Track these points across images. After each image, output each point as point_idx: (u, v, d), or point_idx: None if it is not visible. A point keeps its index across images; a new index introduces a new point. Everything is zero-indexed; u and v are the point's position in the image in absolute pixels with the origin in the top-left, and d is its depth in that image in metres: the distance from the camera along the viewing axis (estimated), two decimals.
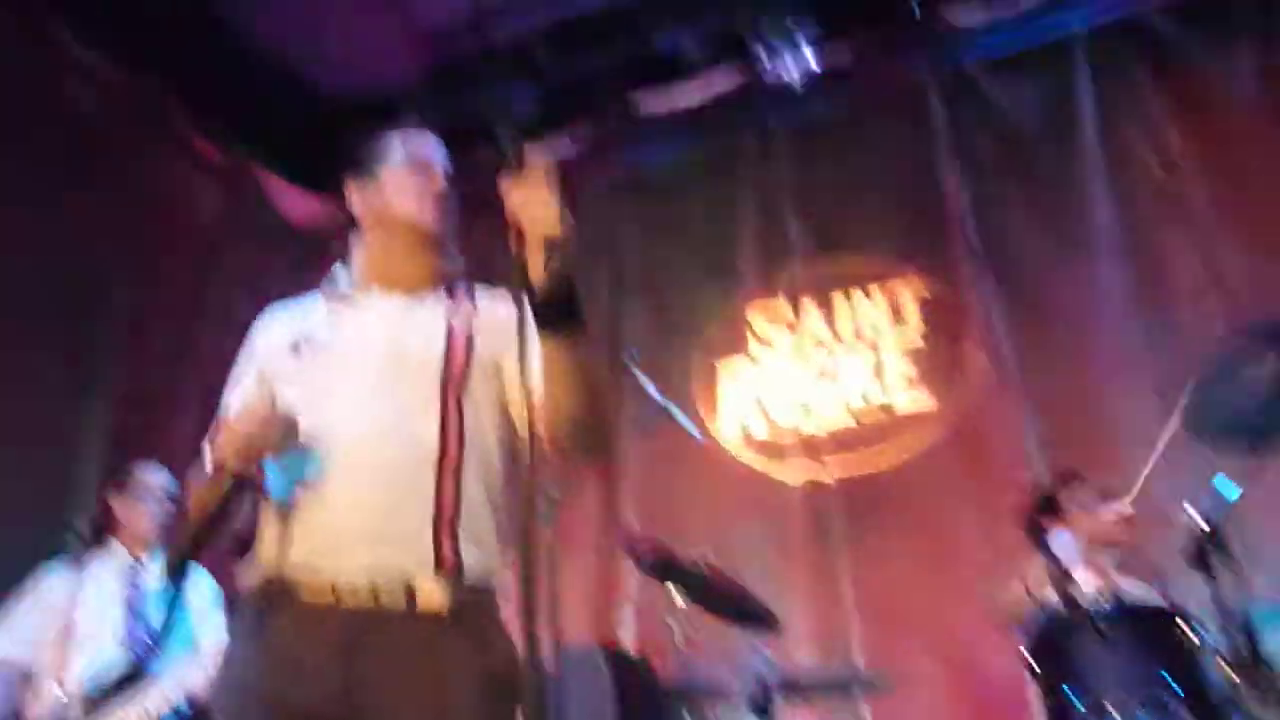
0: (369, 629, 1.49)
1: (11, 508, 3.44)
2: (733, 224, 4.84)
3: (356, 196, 1.77)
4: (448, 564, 1.51)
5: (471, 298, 1.74)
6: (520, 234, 1.35)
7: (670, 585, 2.97)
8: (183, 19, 4.46)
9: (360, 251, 1.77)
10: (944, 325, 4.41)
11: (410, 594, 1.50)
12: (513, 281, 1.35)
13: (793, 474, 4.41)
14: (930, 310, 4.46)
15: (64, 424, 3.74)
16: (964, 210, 4.39)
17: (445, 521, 1.53)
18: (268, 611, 1.54)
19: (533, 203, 1.34)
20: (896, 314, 4.52)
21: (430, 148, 1.80)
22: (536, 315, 1.39)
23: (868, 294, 4.60)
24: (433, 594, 1.50)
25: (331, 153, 5.38)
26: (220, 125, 4.81)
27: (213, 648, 2.94)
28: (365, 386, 1.61)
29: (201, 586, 3.14)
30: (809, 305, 4.65)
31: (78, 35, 4.17)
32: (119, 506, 3.16)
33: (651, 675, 3.78)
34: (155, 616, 3.00)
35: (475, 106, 4.99)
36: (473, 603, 1.53)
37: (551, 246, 1.33)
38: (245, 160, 4.90)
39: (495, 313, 1.69)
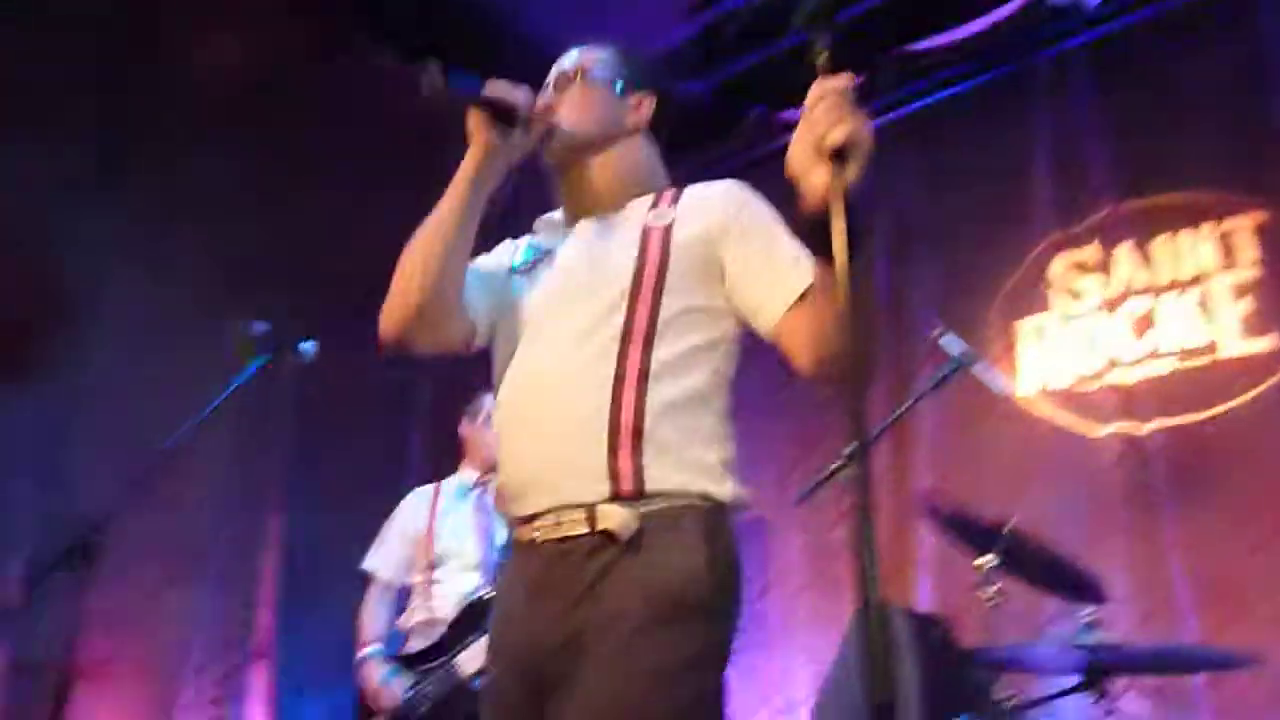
0: (556, 564, 1.43)
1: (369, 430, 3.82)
2: (1028, 166, 4.49)
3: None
4: (626, 483, 1.40)
5: (676, 199, 1.62)
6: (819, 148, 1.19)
7: (975, 548, 2.84)
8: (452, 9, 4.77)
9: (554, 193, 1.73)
10: None
11: (591, 521, 1.40)
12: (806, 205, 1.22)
13: (1104, 428, 4.06)
14: (1271, 242, 3.90)
15: (400, 386, 4.16)
16: None
17: (624, 436, 1.41)
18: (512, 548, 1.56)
19: (825, 109, 1.21)
20: (1227, 251, 3.99)
21: (557, 65, 1.72)
22: (814, 234, 1.23)
23: (1193, 233, 4.06)
24: (610, 518, 1.39)
25: None
26: None
27: None
28: (548, 311, 1.56)
29: None
30: (1122, 250, 4.17)
31: (365, 34, 4.56)
32: (467, 432, 3.39)
33: (953, 638, 3.67)
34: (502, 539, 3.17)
35: (743, 66, 4.99)
36: (660, 521, 1.40)
37: (842, 157, 1.18)
38: None
39: (706, 208, 1.59)
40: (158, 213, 3.66)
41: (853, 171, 1.18)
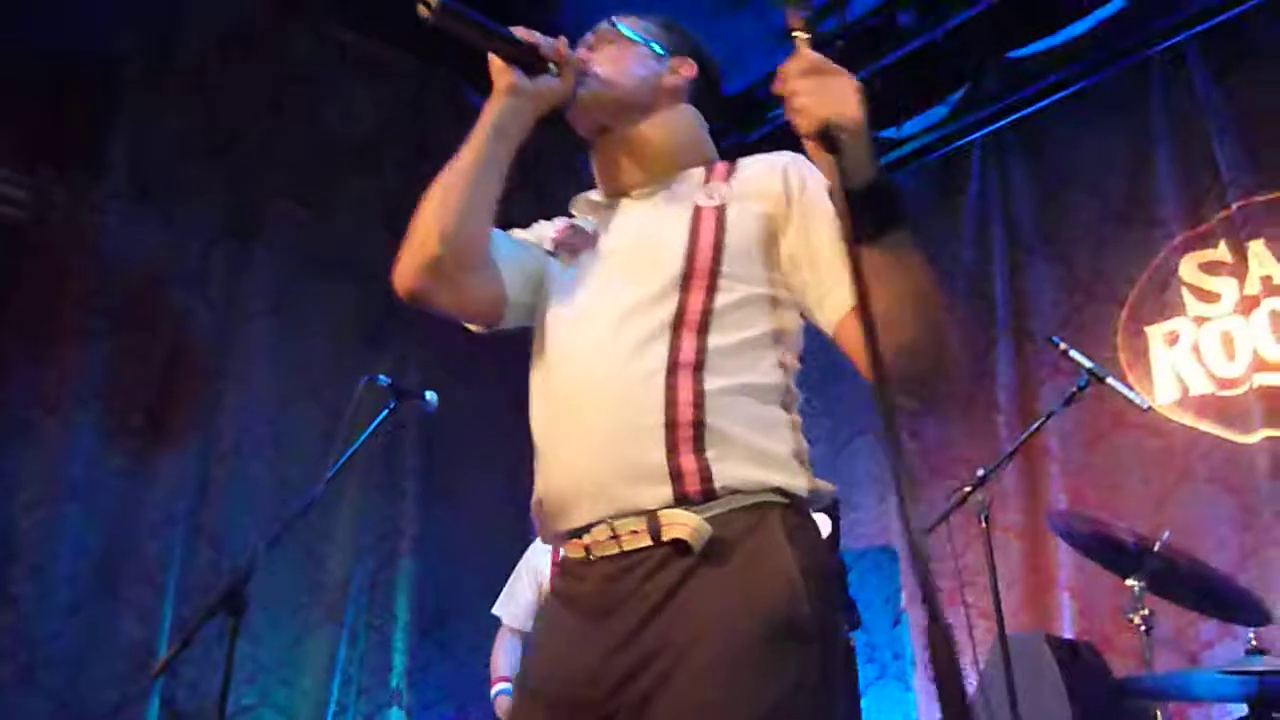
0: (615, 583, 1.23)
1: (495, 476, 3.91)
2: (1147, 165, 4.30)
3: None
4: (692, 483, 1.22)
5: (730, 174, 1.45)
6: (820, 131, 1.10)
7: (1121, 570, 2.71)
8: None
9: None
10: None
11: (654, 529, 1.22)
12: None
13: (1253, 435, 3.83)
14: None
15: (524, 431, 4.25)
16: None
17: (682, 430, 1.24)
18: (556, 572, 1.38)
19: (810, 87, 1.12)
20: None
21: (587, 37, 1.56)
22: (848, 219, 1.09)
23: None
24: (679, 525, 1.20)
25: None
26: None
27: None
28: (592, 297, 1.39)
29: None
30: (1256, 246, 3.93)
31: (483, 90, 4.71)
32: None
33: (1103, 665, 3.50)
34: None
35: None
36: (737, 525, 1.22)
37: (843, 131, 1.09)
38: None
39: (765, 184, 1.40)
40: (286, 273, 3.85)
41: (850, 150, 1.09)
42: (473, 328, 1.52)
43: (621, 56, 1.50)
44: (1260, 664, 2.28)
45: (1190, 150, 4.18)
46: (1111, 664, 3.54)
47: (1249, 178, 3.99)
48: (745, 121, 5.29)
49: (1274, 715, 2.20)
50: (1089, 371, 2.94)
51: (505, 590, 3.40)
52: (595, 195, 1.54)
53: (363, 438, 2.81)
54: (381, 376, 2.92)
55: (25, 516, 3.13)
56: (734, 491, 1.23)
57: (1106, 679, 3.31)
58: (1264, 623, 2.60)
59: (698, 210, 1.38)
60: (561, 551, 1.35)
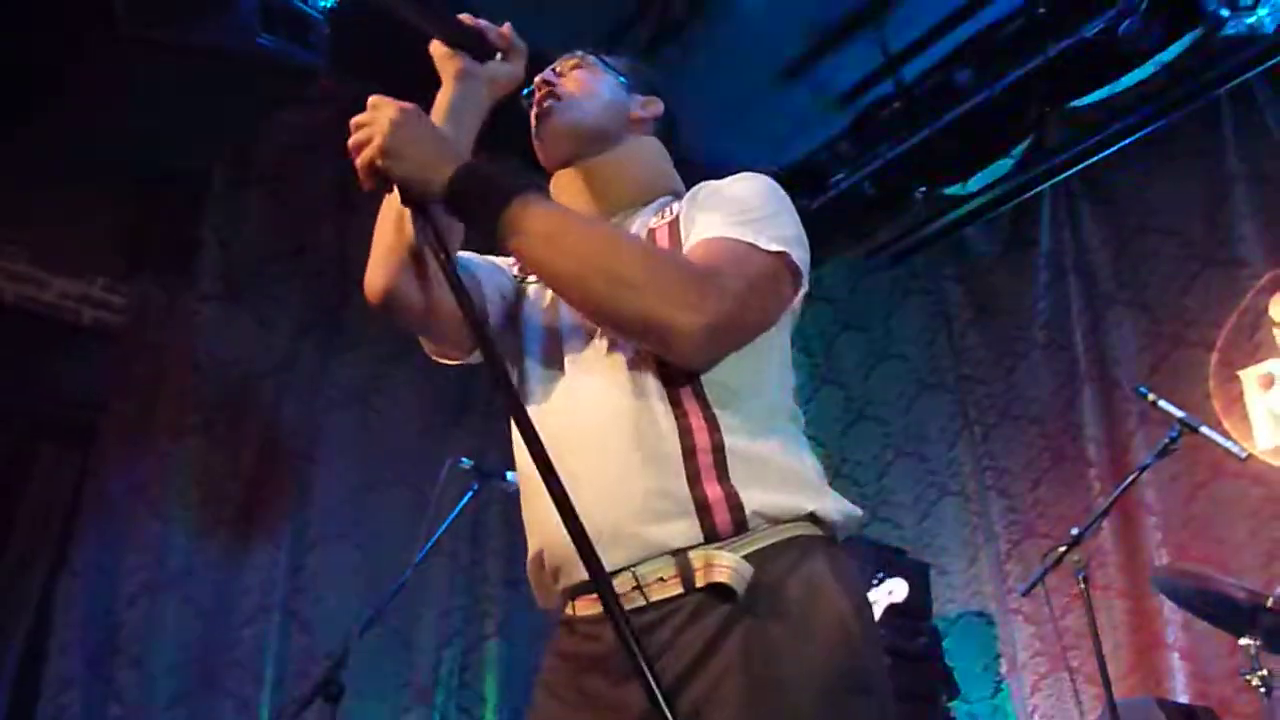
0: (650, 634, 1.08)
1: None
2: (1225, 204, 4.21)
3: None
4: (721, 514, 1.10)
5: (672, 206, 1.38)
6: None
7: (1232, 628, 2.59)
8: None
9: None
10: None
11: (688, 574, 1.09)
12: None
13: None
14: None
15: None
16: None
17: (702, 456, 1.13)
18: (556, 634, 1.25)
19: (357, 142, 1.19)
20: None
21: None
22: (470, 224, 1.20)
23: None
24: (715, 567, 1.07)
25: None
26: None
27: None
28: (567, 328, 1.29)
29: None
30: None
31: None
32: None
33: None
34: None
35: (900, 152, 4.99)
36: (779, 564, 1.10)
37: (383, 165, 1.16)
38: None
39: (713, 191, 1.32)
40: (366, 361, 3.97)
41: (400, 174, 1.17)
42: (443, 356, 1.43)
43: (590, 80, 1.45)
44: None
45: (1269, 187, 4.09)
46: None
47: None
48: (808, 190, 5.34)
49: None
50: (1180, 421, 2.85)
51: None
52: None
53: (448, 521, 2.86)
54: (465, 459, 2.98)
55: (127, 610, 3.24)
56: (768, 520, 1.12)
57: None
58: None
59: (651, 232, 1.31)
60: (570, 609, 1.21)
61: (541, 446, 0.99)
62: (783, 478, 1.15)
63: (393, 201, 1.26)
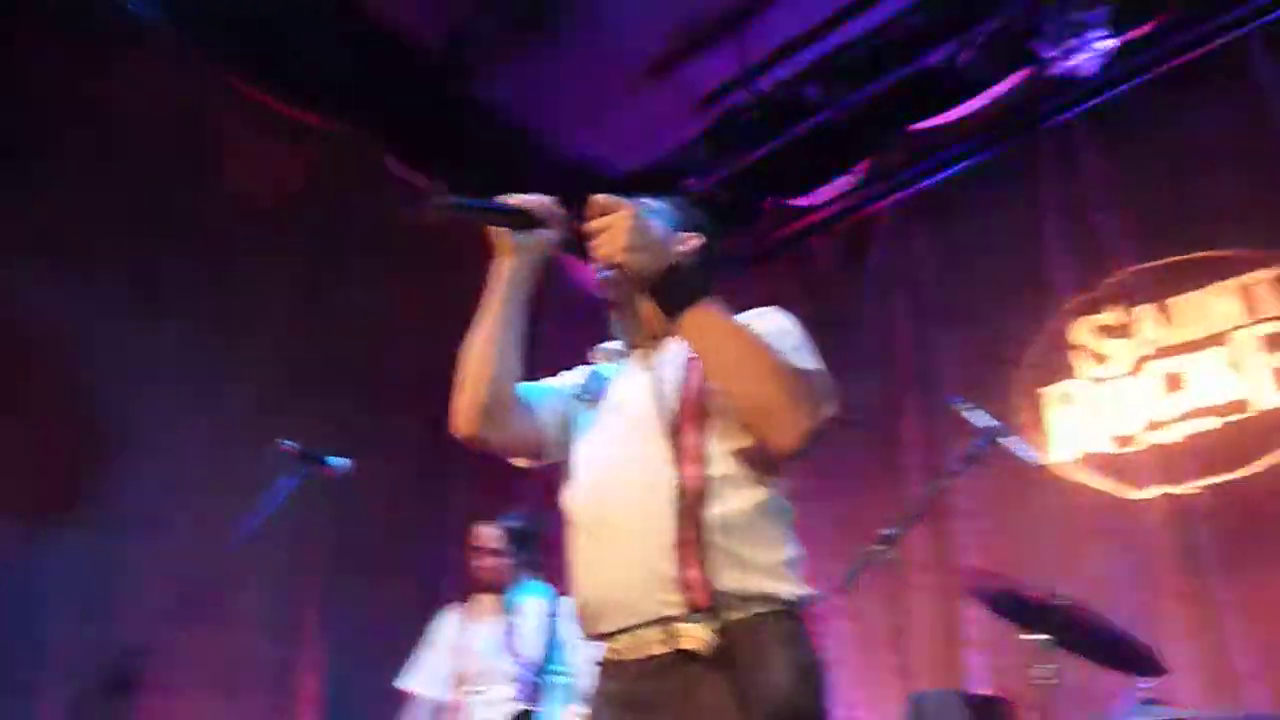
0: (644, 680, 1.49)
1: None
2: (1041, 234, 4.52)
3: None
4: (698, 592, 1.46)
5: None
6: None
7: (1026, 625, 2.78)
8: (479, 129, 4.93)
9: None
10: None
11: (669, 638, 1.47)
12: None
13: (1147, 491, 3.99)
14: None
15: (435, 498, 4.20)
16: None
17: (689, 549, 1.48)
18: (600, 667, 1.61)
19: (599, 236, 1.49)
20: (1252, 304, 3.97)
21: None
22: (662, 310, 1.52)
23: (1215, 289, 4.04)
24: (689, 638, 1.45)
25: None
26: None
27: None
28: (609, 436, 1.66)
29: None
30: (1145, 311, 4.16)
31: (398, 155, 4.73)
32: (474, 566, 3.46)
33: (1014, 719, 3.56)
34: (533, 653, 3.23)
35: (752, 160, 5.12)
36: (743, 632, 1.46)
37: (622, 262, 1.48)
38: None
39: None
40: (194, 339, 3.76)
41: (634, 267, 1.49)
42: (521, 464, 1.76)
43: (644, 233, 1.57)
44: (1156, 713, 2.36)
45: (1080, 220, 4.41)
46: (1025, 715, 3.61)
47: (1136, 245, 4.22)
48: (660, 192, 5.39)
49: None
50: (986, 432, 3.05)
51: (414, 662, 3.36)
52: (614, 345, 1.80)
53: (268, 509, 2.75)
54: (291, 441, 2.87)
55: None
56: (733, 596, 1.46)
57: None
58: (1160, 673, 2.70)
59: (690, 360, 1.61)
60: (602, 652, 1.59)
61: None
62: (746, 567, 1.49)
63: (493, 336, 1.64)
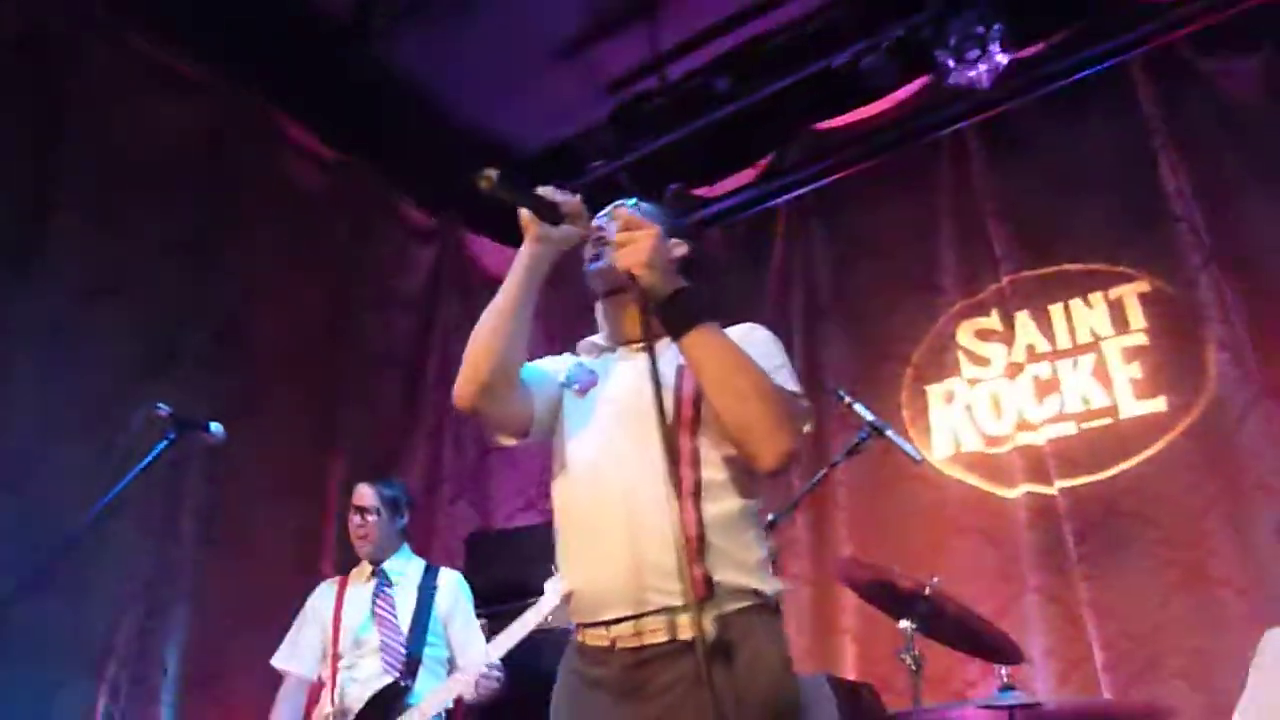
0: (641, 669, 1.59)
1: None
2: (932, 238, 4.68)
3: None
4: (699, 588, 1.55)
5: None
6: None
7: (896, 614, 2.88)
8: (383, 96, 4.82)
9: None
10: (1173, 324, 4.03)
11: (671, 629, 1.57)
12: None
13: (1014, 490, 4.18)
14: (1157, 309, 4.10)
15: (313, 469, 4.09)
16: (1187, 199, 4.04)
17: (692, 545, 1.58)
18: (571, 653, 1.71)
19: (623, 243, 1.64)
20: (1119, 317, 4.20)
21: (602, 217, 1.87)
22: (666, 328, 1.65)
23: (1086, 301, 4.27)
24: (690, 624, 1.52)
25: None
26: (427, 192, 5.16)
27: (473, 655, 3.09)
28: (603, 430, 1.75)
29: (451, 589, 3.31)
30: (1023, 318, 4.36)
31: (295, 118, 4.60)
32: (351, 526, 3.37)
33: (878, 703, 3.68)
34: (406, 626, 3.16)
35: (658, 146, 5.13)
36: (736, 628, 1.57)
37: (640, 274, 1.61)
38: (452, 222, 5.21)
39: None
40: (68, 294, 3.55)
41: (650, 281, 1.62)
42: (504, 440, 1.84)
43: (650, 242, 1.68)
44: (1010, 698, 2.47)
45: (970, 226, 4.58)
46: (888, 703, 3.74)
47: (1017, 255, 4.41)
48: (563, 174, 5.38)
49: None
50: (869, 424, 3.13)
51: (288, 639, 3.28)
52: (600, 340, 1.91)
53: (134, 472, 2.61)
54: (162, 405, 2.74)
55: None
56: (727, 589, 1.58)
57: (881, 715, 3.49)
58: (1018, 661, 2.83)
59: (680, 368, 1.72)
60: (582, 636, 1.68)
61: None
62: (739, 565, 1.62)
63: (507, 315, 1.73)
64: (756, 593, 1.63)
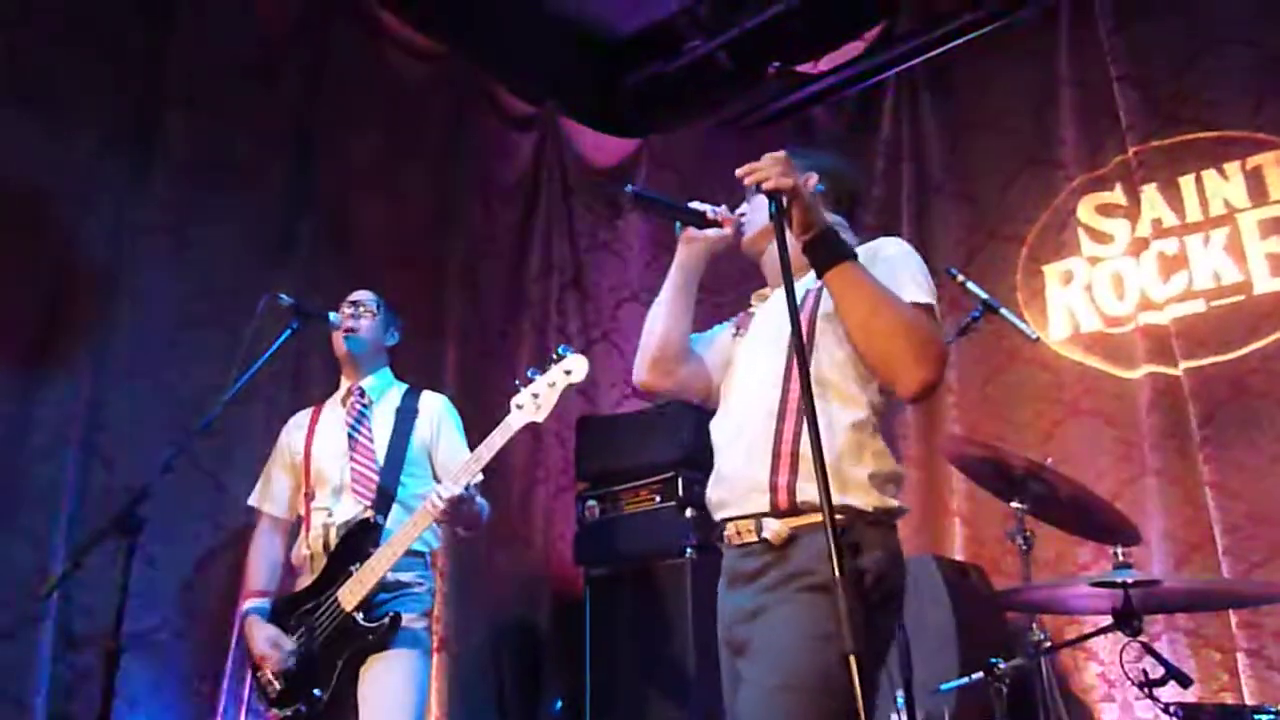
0: (740, 560, 1.81)
1: None
2: (1051, 109, 4.42)
3: None
4: (781, 497, 1.73)
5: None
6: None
7: (1007, 494, 2.84)
8: None
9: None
10: None
11: (757, 530, 1.76)
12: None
13: (1136, 370, 4.03)
14: None
15: (422, 357, 4.19)
16: None
17: (782, 459, 1.75)
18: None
19: (769, 165, 1.75)
20: (1256, 187, 3.91)
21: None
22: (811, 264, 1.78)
23: (1221, 171, 3.99)
24: (771, 530, 1.73)
25: (621, 93, 5.58)
26: (526, 81, 5.12)
27: (457, 474, 2.62)
28: (746, 362, 1.96)
29: (433, 413, 3.00)
30: (1150, 191, 4.10)
31: (394, 10, 4.60)
32: (342, 317, 3.02)
33: (987, 583, 3.69)
34: (381, 457, 2.87)
35: (756, 24, 4.95)
36: (806, 535, 1.70)
37: (780, 198, 1.72)
38: (551, 112, 5.17)
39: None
40: (185, 188, 3.69)
41: (796, 209, 1.73)
42: (695, 401, 2.11)
43: (792, 165, 1.81)
44: (1123, 576, 2.42)
45: (1093, 95, 4.31)
46: (997, 584, 3.74)
47: (1145, 124, 4.13)
48: (662, 54, 5.25)
49: (1135, 623, 2.34)
50: (983, 302, 3.04)
51: (261, 478, 3.04)
52: (765, 290, 2.08)
53: (265, 357, 2.74)
54: (284, 295, 2.84)
55: None
56: (812, 506, 1.66)
57: (989, 594, 3.49)
58: (1135, 543, 2.76)
59: (808, 292, 1.87)
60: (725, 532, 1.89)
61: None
62: (841, 479, 1.69)
63: (665, 306, 2.05)
64: (848, 508, 1.69)
